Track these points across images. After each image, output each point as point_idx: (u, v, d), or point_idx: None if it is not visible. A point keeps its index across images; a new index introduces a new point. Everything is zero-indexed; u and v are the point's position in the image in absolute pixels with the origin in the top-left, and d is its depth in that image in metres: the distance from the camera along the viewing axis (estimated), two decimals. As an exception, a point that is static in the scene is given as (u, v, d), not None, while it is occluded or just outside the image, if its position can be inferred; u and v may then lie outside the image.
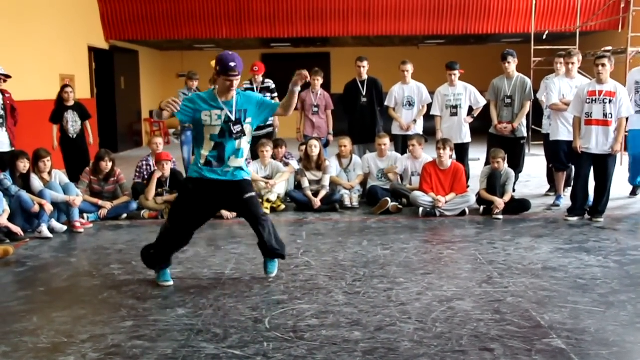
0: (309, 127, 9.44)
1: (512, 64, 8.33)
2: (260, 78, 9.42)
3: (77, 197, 7.26)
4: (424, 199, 7.69)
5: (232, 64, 4.70)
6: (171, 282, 5.09)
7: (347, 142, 8.64)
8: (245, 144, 4.97)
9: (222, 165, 4.89)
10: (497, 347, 3.73)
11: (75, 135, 9.85)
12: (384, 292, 4.82)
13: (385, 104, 9.18)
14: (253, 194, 5.05)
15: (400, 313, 4.35)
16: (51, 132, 9.70)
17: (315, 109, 9.38)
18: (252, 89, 9.37)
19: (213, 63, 4.87)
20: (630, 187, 8.70)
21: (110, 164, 7.76)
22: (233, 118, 4.85)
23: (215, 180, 4.89)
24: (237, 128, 4.86)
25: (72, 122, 9.86)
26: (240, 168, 4.98)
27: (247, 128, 4.94)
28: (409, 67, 9.04)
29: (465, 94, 8.66)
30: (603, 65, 7.05)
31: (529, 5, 14.98)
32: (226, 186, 4.93)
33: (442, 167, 7.83)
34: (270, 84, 9.48)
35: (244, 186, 4.99)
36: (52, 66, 12.71)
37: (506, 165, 7.89)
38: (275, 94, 9.43)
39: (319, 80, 9.40)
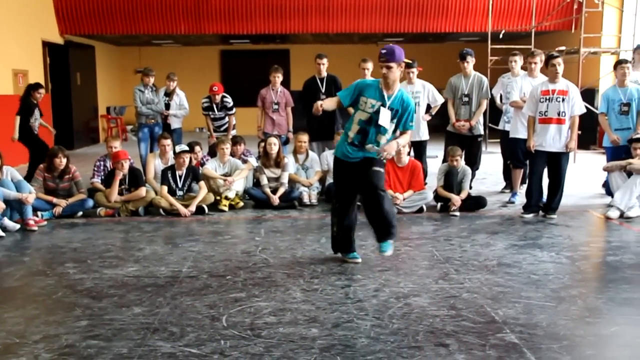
0: (269, 124, 9.43)
1: (470, 63, 8.44)
2: (218, 97, 9.64)
3: (30, 194, 7.10)
4: (382, 196, 7.73)
5: (382, 51, 5.11)
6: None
7: (305, 138, 8.66)
8: (384, 139, 5.27)
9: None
10: (452, 343, 3.79)
11: (36, 132, 9.81)
12: (341, 289, 4.85)
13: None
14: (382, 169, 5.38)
15: (358, 310, 4.38)
16: (13, 125, 9.58)
17: (276, 107, 9.37)
18: (211, 107, 9.65)
19: None
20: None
21: (64, 161, 7.60)
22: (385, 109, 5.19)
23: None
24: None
25: (38, 119, 9.83)
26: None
27: (390, 127, 5.26)
28: (369, 65, 9.05)
29: (424, 92, 8.74)
30: (558, 64, 7.20)
31: (485, 5, 15.22)
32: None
33: (400, 164, 7.90)
34: (228, 102, 9.78)
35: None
36: (4, 61, 12.42)
37: (463, 162, 8.00)
38: (232, 112, 9.82)
39: (279, 78, 9.41)
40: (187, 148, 8.10)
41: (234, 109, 9.81)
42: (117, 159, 7.76)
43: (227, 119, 9.75)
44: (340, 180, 5.52)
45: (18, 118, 9.67)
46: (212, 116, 9.71)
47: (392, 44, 5.28)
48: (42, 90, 10.03)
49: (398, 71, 5.18)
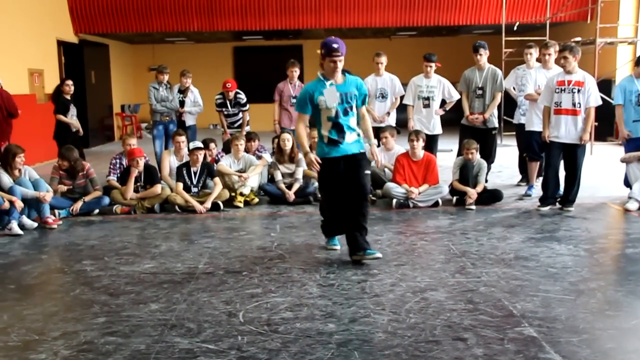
0: (286, 118, 9.44)
1: (483, 56, 8.38)
2: (232, 93, 9.62)
3: (48, 192, 7.16)
4: (397, 190, 7.72)
5: (335, 45, 5.20)
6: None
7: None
8: (354, 122, 5.40)
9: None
10: (470, 337, 3.77)
11: (75, 129, 9.86)
12: (357, 283, 4.84)
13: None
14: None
15: (374, 304, 4.36)
16: (57, 121, 9.77)
17: (293, 100, 9.33)
18: (224, 103, 9.62)
19: (318, 51, 5.41)
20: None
21: (64, 163, 7.63)
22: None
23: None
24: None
25: (75, 115, 9.89)
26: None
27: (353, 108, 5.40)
28: (383, 59, 9.02)
29: (439, 87, 8.69)
30: (565, 57, 7.12)
31: (499, -3, 15.11)
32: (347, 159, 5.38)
33: (414, 158, 7.87)
34: (242, 99, 9.76)
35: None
36: (20, 61, 12.51)
37: (478, 156, 7.95)
38: (246, 108, 9.81)
39: (297, 72, 9.43)
40: (200, 145, 8.12)
41: (248, 105, 9.80)
42: (132, 157, 7.80)
43: (240, 115, 9.75)
44: (327, 181, 5.49)
45: (59, 116, 9.76)
46: (225, 113, 9.72)
47: (336, 37, 5.37)
48: (69, 82, 10.07)
49: None
